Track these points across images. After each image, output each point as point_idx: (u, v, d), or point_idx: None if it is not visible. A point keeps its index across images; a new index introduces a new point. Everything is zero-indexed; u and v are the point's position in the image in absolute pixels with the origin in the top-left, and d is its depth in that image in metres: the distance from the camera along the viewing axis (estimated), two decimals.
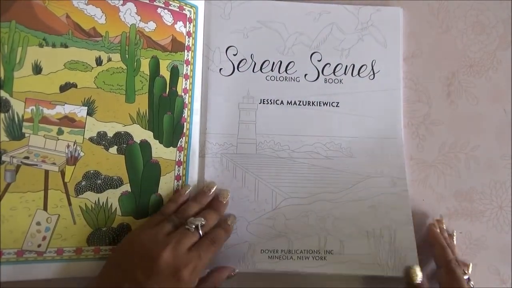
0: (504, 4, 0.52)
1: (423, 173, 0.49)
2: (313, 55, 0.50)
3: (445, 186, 0.49)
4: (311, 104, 0.49)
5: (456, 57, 0.51)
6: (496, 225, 0.49)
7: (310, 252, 0.46)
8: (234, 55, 0.49)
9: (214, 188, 0.46)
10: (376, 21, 0.50)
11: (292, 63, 0.49)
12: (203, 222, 0.41)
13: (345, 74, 0.49)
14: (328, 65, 0.50)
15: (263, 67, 0.49)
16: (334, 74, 0.49)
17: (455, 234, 0.48)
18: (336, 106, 0.49)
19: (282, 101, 0.49)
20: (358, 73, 0.49)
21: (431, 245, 0.46)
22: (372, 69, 0.49)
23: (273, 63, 0.49)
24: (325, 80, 0.49)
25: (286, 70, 0.49)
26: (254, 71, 0.49)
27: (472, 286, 0.43)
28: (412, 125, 0.50)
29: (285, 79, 0.49)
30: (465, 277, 0.43)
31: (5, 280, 0.37)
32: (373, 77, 0.49)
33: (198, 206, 0.45)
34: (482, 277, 0.48)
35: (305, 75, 0.49)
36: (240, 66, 0.49)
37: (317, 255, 0.46)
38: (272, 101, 0.49)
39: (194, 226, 0.41)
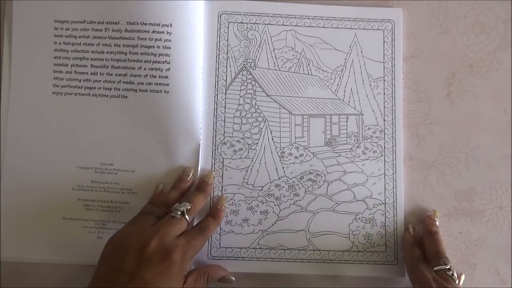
0: (504, 4, 0.52)
1: (423, 173, 0.49)
2: None
3: (445, 186, 0.49)
4: None
5: (456, 57, 0.51)
6: (496, 225, 0.49)
7: None
8: None
9: (191, 173, 0.46)
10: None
11: None
12: (188, 207, 0.41)
13: None
14: None
15: None
16: None
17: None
18: None
19: None
20: None
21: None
22: None
23: None
24: None
25: None
26: None
27: (453, 278, 0.42)
28: (412, 125, 0.50)
29: None
30: (444, 267, 0.43)
31: None
32: None
33: (177, 192, 0.45)
34: (482, 277, 0.48)
35: None
36: None
37: None
38: None
39: (179, 213, 0.40)
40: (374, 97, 0.50)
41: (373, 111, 0.50)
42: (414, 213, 0.49)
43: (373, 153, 0.49)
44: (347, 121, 0.50)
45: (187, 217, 0.41)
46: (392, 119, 0.50)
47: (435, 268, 0.43)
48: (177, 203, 0.42)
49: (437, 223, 0.47)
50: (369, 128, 0.49)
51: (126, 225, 0.41)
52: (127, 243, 0.38)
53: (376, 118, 0.50)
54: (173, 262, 0.37)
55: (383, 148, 0.49)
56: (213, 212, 0.45)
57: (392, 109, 0.50)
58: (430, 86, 0.51)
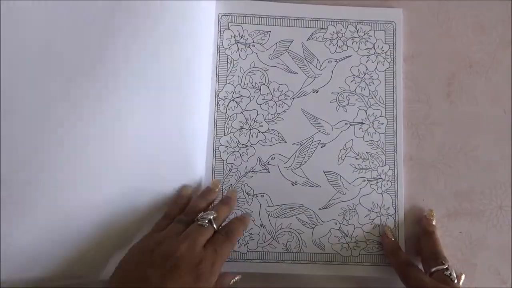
0: (504, 4, 0.52)
1: (423, 173, 0.49)
2: None
3: (445, 186, 0.49)
4: None
5: (456, 57, 0.51)
6: (496, 225, 0.49)
7: None
8: None
9: (220, 185, 0.46)
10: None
11: None
12: (214, 215, 0.40)
13: None
14: None
15: None
16: None
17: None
18: None
19: None
20: None
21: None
22: None
23: None
24: None
25: None
26: None
27: (451, 278, 0.42)
28: (412, 125, 0.50)
29: None
30: (442, 267, 0.42)
31: None
32: None
33: (205, 202, 0.43)
34: (482, 277, 0.48)
35: None
36: None
37: None
38: None
39: (207, 221, 0.39)
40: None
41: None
42: (414, 213, 0.49)
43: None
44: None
45: (214, 225, 0.39)
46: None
47: (433, 269, 0.42)
48: (203, 212, 0.41)
49: (434, 223, 0.47)
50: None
51: (151, 232, 0.40)
52: (153, 252, 0.36)
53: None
54: (200, 276, 0.35)
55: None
56: (240, 216, 0.45)
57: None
58: (430, 86, 0.51)
